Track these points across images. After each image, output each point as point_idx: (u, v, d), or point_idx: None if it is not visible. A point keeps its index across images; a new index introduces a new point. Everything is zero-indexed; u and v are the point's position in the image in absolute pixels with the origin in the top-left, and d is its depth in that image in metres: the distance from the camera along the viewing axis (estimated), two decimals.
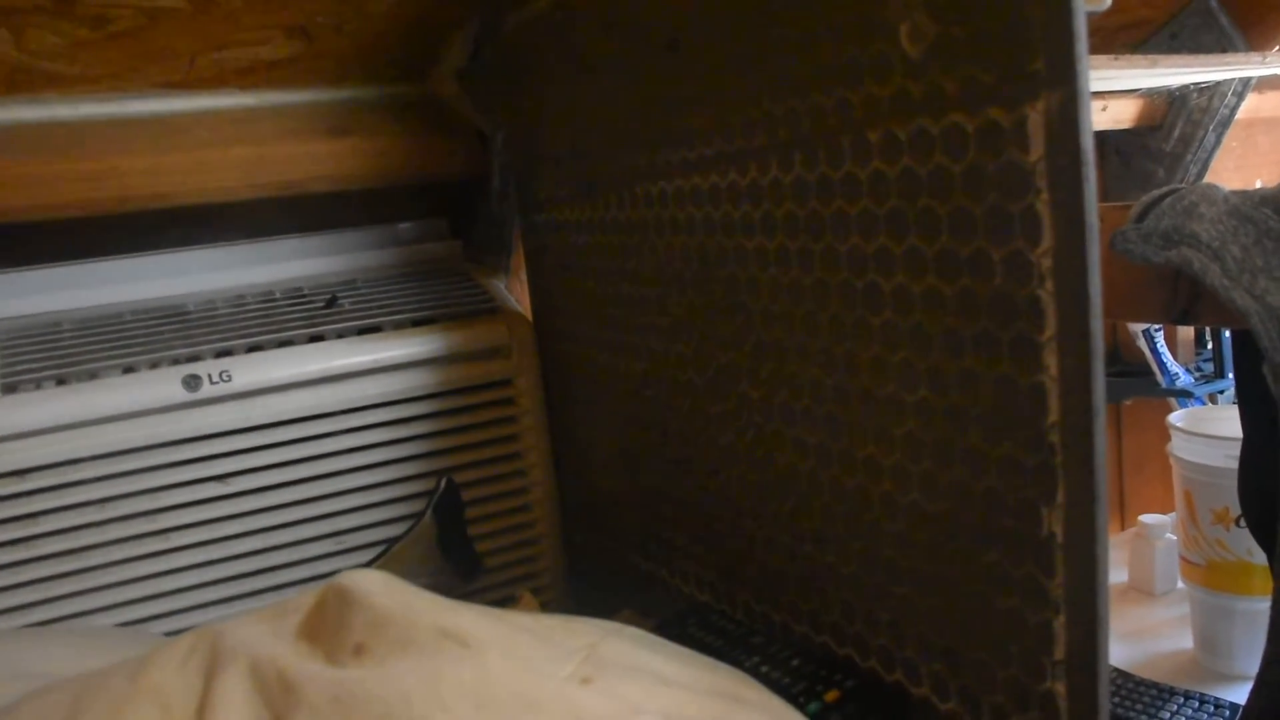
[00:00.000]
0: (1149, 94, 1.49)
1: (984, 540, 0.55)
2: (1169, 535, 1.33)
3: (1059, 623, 0.52)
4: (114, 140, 1.00)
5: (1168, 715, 1.01)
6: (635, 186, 0.79)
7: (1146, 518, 1.36)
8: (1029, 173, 0.49)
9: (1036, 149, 0.48)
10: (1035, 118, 0.48)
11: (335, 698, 0.45)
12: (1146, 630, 1.27)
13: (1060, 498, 0.50)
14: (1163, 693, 1.06)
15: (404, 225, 1.16)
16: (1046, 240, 0.49)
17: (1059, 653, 0.52)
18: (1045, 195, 0.48)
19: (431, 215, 1.18)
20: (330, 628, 0.51)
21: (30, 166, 0.95)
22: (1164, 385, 1.49)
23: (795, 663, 0.68)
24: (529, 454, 1.03)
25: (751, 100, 0.66)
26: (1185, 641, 1.21)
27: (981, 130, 0.51)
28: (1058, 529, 0.51)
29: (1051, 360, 0.50)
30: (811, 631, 0.70)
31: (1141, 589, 1.36)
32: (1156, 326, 1.47)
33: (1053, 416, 0.50)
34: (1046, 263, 0.49)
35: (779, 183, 0.65)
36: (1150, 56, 1.25)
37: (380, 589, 0.52)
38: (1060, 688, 0.53)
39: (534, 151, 0.96)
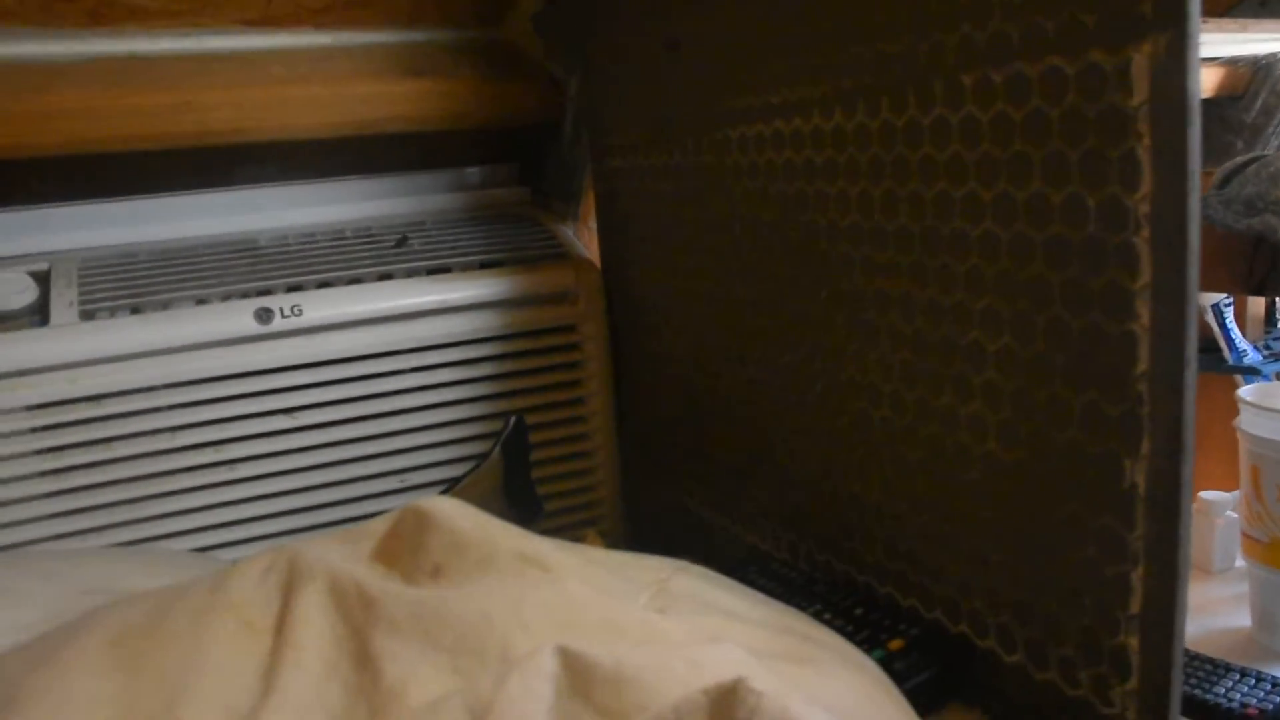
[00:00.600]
0: (1232, 62, 1.46)
1: (1062, 491, 0.55)
2: (1230, 513, 1.31)
3: (1136, 575, 0.51)
4: (192, 75, 1.01)
5: (1223, 690, 1.00)
6: (714, 132, 0.79)
7: (1208, 494, 1.34)
8: (1131, 117, 0.48)
9: (1140, 93, 0.47)
10: (1140, 61, 0.47)
11: (415, 614, 0.45)
12: (1203, 607, 1.25)
13: (1145, 449, 0.50)
14: (1218, 668, 1.04)
15: (473, 170, 1.16)
16: (1145, 186, 0.48)
17: (1135, 606, 0.52)
18: (1147, 140, 0.48)
19: (502, 160, 1.18)
20: (408, 549, 0.52)
21: (110, 98, 0.96)
22: (1231, 362, 1.46)
23: (859, 611, 0.68)
24: (592, 399, 1.04)
25: (838, 42, 0.65)
26: (1243, 619, 1.19)
27: (1082, 73, 0.50)
28: (1140, 480, 0.50)
29: (1144, 309, 0.49)
30: (875, 582, 0.70)
31: (1200, 566, 1.34)
32: (1227, 301, 1.44)
33: (1142, 366, 0.49)
34: (1144, 209, 0.48)
35: (864, 127, 0.64)
36: (1240, 20, 1.22)
37: (458, 513, 0.52)
38: (1134, 642, 0.52)
39: (608, 97, 0.96)
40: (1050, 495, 0.55)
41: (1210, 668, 1.06)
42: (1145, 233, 0.48)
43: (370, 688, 0.43)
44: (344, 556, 0.52)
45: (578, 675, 0.40)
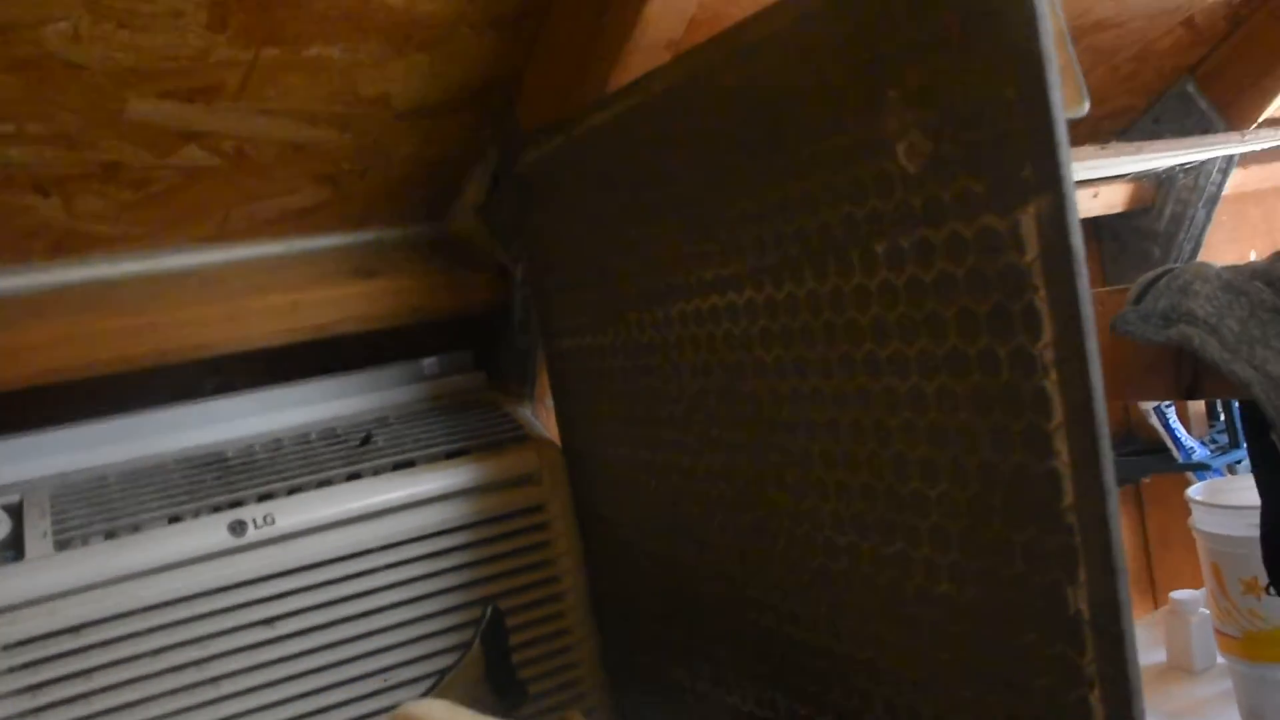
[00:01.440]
0: (1138, 178, 1.55)
1: (1017, 623, 0.57)
2: (1202, 610, 1.33)
3: (1095, 697, 0.54)
4: (152, 295, 1.05)
5: None
6: (655, 309, 0.83)
7: (1178, 594, 1.36)
8: (1026, 272, 0.53)
9: (1031, 250, 0.52)
10: (1028, 221, 0.52)
11: None
12: (1190, 709, 1.26)
13: (1083, 576, 0.53)
14: None
15: (430, 360, 1.20)
16: (1047, 334, 0.52)
17: None
18: (1042, 292, 0.52)
19: (457, 348, 1.22)
20: None
21: (72, 326, 0.99)
22: (1180, 460, 1.51)
23: None
24: (564, 577, 1.05)
25: (763, 221, 0.70)
26: (1232, 717, 1.20)
27: (979, 236, 0.55)
28: (1083, 606, 0.53)
29: (1062, 446, 0.53)
30: None
31: (1181, 667, 1.36)
32: (1168, 403, 1.49)
33: (1068, 499, 0.53)
34: (1049, 355, 0.52)
35: (794, 296, 0.69)
36: (1135, 144, 1.31)
37: (446, 716, 0.54)
38: None
39: (553, 281, 1.01)
40: (1006, 629, 0.58)
41: None
42: (1054, 376, 0.52)
43: None
44: None
45: None
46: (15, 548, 0.90)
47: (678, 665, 0.92)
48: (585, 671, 1.07)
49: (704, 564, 0.85)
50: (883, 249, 0.61)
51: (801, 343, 0.69)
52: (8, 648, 0.85)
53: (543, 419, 1.14)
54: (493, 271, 1.17)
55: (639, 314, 0.86)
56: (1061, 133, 0.51)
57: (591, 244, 0.92)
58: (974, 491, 0.58)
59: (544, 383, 1.14)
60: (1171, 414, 1.52)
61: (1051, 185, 0.51)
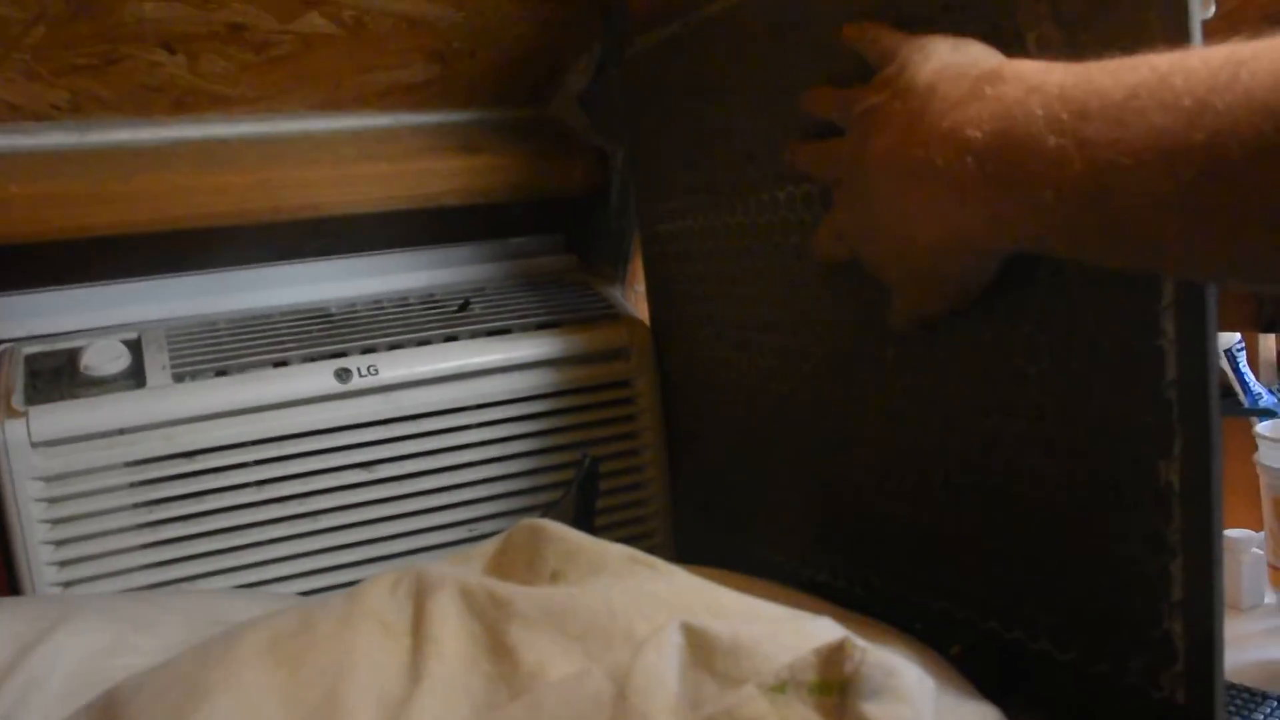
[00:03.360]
0: None
1: (1104, 495, 0.60)
2: (1255, 550, 1.35)
3: (1176, 565, 0.57)
4: (266, 156, 1.09)
5: (1261, 717, 1.04)
6: (761, 193, 0.86)
7: (1232, 532, 1.38)
8: None
9: None
10: None
11: (545, 609, 0.51)
12: (1235, 641, 1.28)
13: (1177, 450, 0.56)
14: (1255, 696, 1.08)
15: (524, 239, 1.24)
16: None
17: (1176, 594, 0.57)
18: None
19: (550, 231, 1.26)
20: (524, 559, 0.58)
21: (190, 179, 1.04)
22: (1247, 405, 1.51)
23: (917, 626, 0.73)
24: (645, 451, 1.10)
25: None
26: (1276, 651, 1.23)
27: None
28: (1174, 478, 0.56)
29: (1170, 325, 0.55)
30: (930, 598, 0.75)
31: (1230, 604, 1.38)
32: (1239, 345, 1.50)
33: (1170, 375, 0.55)
34: None
35: None
36: None
37: (566, 528, 0.58)
38: (1178, 627, 0.58)
39: (654, 166, 1.03)
40: (1095, 499, 0.61)
41: (1247, 696, 1.10)
42: None
43: (510, 673, 0.48)
44: (465, 570, 0.58)
45: (699, 648, 0.45)
46: (136, 377, 0.95)
47: (752, 540, 0.97)
48: (659, 541, 1.12)
49: (788, 441, 0.88)
50: None
51: None
52: (129, 464, 0.91)
53: (633, 303, 1.18)
54: (591, 156, 1.20)
55: (743, 198, 0.88)
56: (1196, 27, 0.53)
57: (697, 131, 0.94)
58: (1076, 368, 0.61)
59: (636, 267, 1.17)
60: (1242, 358, 1.52)
61: None
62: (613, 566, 0.54)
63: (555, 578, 0.55)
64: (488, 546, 0.62)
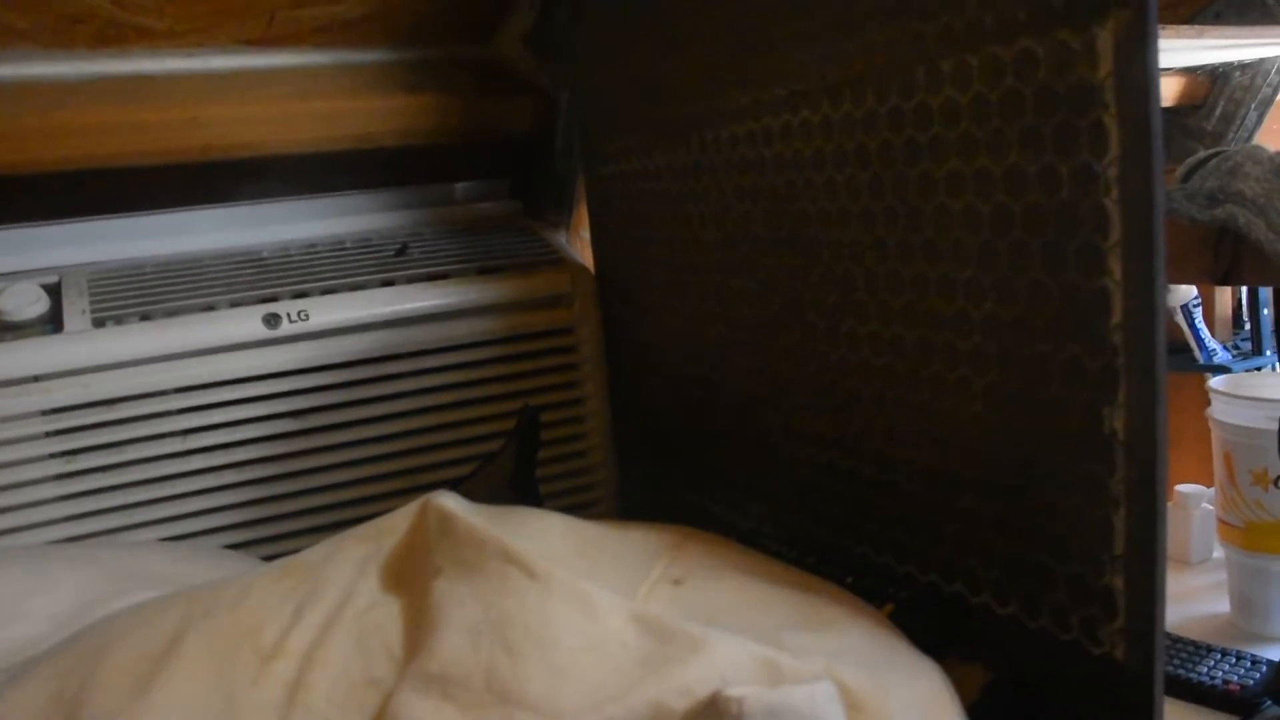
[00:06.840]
0: (1191, 72, 1.52)
1: (1047, 444, 0.58)
2: (1205, 505, 1.35)
3: (1119, 517, 0.55)
4: (198, 92, 1.04)
5: (1205, 670, 1.04)
6: (705, 131, 0.82)
7: (1183, 487, 1.38)
8: (1098, 89, 0.52)
9: (1105, 66, 0.52)
10: (1105, 36, 0.51)
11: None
12: (1182, 595, 1.29)
13: (1121, 397, 0.54)
14: (1200, 649, 1.08)
15: (466, 184, 1.20)
16: (1113, 150, 0.52)
17: (1119, 547, 0.55)
18: (1113, 109, 0.52)
19: (493, 176, 1.22)
20: (424, 550, 0.55)
21: (117, 115, 0.99)
22: (1201, 361, 1.51)
23: (849, 580, 0.71)
24: (588, 400, 1.07)
25: (825, 39, 0.69)
26: (1221, 606, 1.23)
27: (1051, 52, 0.54)
28: (1119, 426, 0.54)
29: (1116, 265, 0.53)
30: (871, 551, 0.73)
31: (1178, 558, 1.38)
32: (1195, 302, 1.49)
33: (1116, 318, 0.53)
34: (1113, 171, 0.52)
35: (850, 117, 0.68)
36: (1196, 27, 1.28)
37: (472, 519, 0.56)
38: (1119, 582, 0.56)
39: (600, 107, 1.00)
40: (1036, 449, 0.59)
41: (1192, 649, 1.09)
42: (1115, 194, 0.52)
43: None
44: (362, 564, 0.56)
45: None
46: (54, 322, 0.91)
47: (692, 487, 0.94)
48: (602, 492, 1.09)
49: (731, 388, 0.86)
50: (950, 67, 0.61)
51: (855, 164, 0.68)
52: (45, 413, 0.87)
53: (578, 249, 1.14)
54: (535, 97, 1.16)
55: (688, 137, 0.85)
56: None
57: (643, 70, 0.91)
58: (1019, 311, 0.58)
59: (580, 213, 1.14)
60: (1198, 314, 1.51)
61: (1134, 1, 0.50)
62: (487, 569, 0.52)
63: (436, 575, 0.53)
64: (401, 525, 0.59)
